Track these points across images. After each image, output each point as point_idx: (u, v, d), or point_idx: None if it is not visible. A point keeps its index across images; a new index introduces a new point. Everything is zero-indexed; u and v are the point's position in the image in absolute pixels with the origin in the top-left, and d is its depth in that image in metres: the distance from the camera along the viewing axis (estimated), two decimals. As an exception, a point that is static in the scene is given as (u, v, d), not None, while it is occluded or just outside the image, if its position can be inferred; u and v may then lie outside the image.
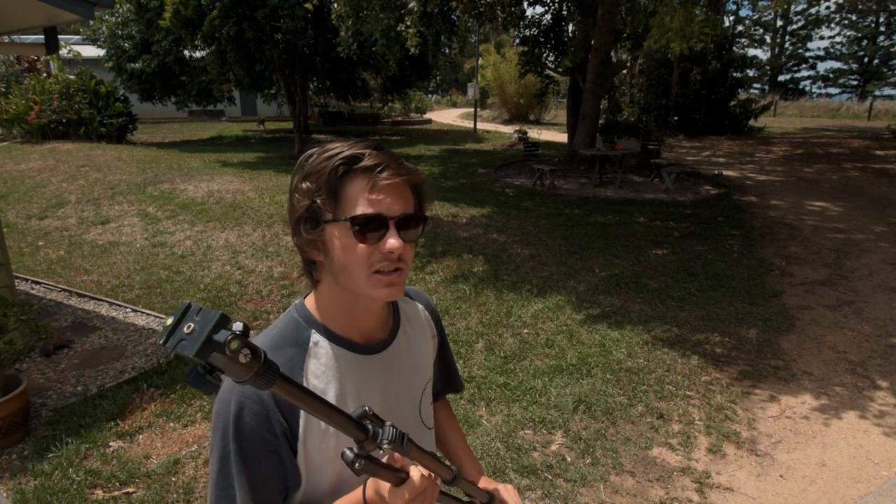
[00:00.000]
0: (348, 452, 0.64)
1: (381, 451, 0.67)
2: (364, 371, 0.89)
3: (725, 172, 11.77)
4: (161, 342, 0.52)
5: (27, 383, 3.03)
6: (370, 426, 0.67)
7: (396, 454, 0.68)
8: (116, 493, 2.57)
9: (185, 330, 0.52)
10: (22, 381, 2.98)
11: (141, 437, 2.99)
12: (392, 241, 0.80)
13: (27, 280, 5.32)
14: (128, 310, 4.67)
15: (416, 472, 0.71)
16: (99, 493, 2.58)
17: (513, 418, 3.18)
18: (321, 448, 0.83)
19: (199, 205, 7.98)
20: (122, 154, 12.10)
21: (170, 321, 0.53)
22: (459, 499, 0.90)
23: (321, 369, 0.86)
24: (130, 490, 2.59)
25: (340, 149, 0.81)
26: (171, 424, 3.10)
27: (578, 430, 3.08)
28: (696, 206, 8.68)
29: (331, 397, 0.84)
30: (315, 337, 0.87)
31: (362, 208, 0.79)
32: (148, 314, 4.58)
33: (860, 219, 7.83)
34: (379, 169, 0.80)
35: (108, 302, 4.81)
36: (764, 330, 4.37)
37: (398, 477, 0.70)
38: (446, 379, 1.20)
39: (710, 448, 2.98)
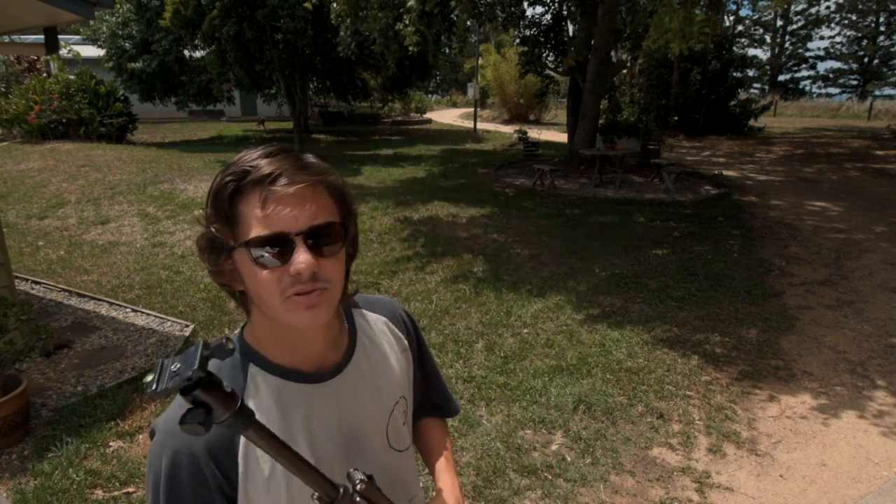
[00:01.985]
0: None
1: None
2: (314, 401, 0.79)
3: (725, 172, 11.76)
4: (151, 391, 0.51)
5: (27, 383, 3.04)
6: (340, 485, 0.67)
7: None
8: (116, 493, 2.57)
9: (173, 368, 0.51)
10: (22, 381, 2.98)
11: (141, 437, 2.99)
12: (299, 262, 0.67)
13: (27, 280, 5.32)
14: (128, 310, 4.68)
15: None
16: (99, 493, 2.58)
17: (513, 418, 3.18)
18: (268, 496, 0.76)
19: (200, 205, 7.96)
20: (122, 154, 12.10)
21: (149, 378, 0.52)
22: None
23: (262, 406, 0.75)
24: (130, 490, 2.59)
25: (234, 162, 0.70)
26: (171, 424, 3.10)
27: (578, 430, 3.09)
28: (696, 206, 8.67)
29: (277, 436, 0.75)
30: (253, 370, 0.77)
31: (257, 230, 0.67)
32: (148, 314, 4.58)
33: (860, 219, 7.83)
34: (271, 179, 0.67)
35: (108, 302, 4.81)
36: (764, 330, 4.37)
37: None
38: (435, 398, 1.08)
39: (710, 448, 2.98)
